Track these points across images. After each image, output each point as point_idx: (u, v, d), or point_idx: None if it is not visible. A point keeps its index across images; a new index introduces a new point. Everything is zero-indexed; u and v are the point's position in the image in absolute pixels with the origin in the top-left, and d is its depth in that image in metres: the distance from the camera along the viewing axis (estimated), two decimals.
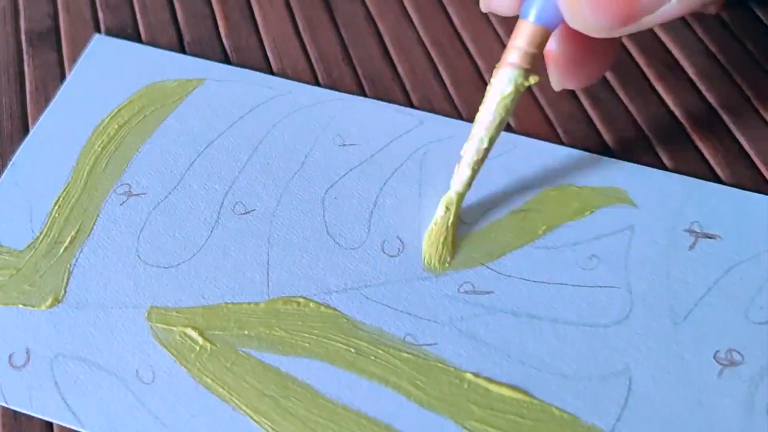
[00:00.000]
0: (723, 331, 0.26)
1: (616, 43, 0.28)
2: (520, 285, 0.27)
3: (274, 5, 0.36)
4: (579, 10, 0.23)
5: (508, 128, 0.31)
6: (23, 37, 0.35)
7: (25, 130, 0.31)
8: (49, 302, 0.26)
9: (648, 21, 0.22)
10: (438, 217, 0.28)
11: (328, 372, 0.25)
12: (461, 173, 0.27)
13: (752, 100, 0.32)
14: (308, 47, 0.34)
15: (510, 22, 0.35)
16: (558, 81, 0.28)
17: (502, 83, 0.25)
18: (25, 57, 0.34)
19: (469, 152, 0.26)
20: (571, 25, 0.24)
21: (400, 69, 0.33)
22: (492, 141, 0.26)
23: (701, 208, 0.29)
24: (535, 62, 0.25)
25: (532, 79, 0.25)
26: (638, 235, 0.28)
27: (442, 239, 0.28)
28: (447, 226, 0.28)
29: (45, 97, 0.32)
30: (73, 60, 0.33)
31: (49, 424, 0.25)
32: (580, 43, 0.26)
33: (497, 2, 0.26)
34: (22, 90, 0.33)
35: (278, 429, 0.24)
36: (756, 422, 0.25)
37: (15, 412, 0.25)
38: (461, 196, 0.27)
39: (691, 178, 0.30)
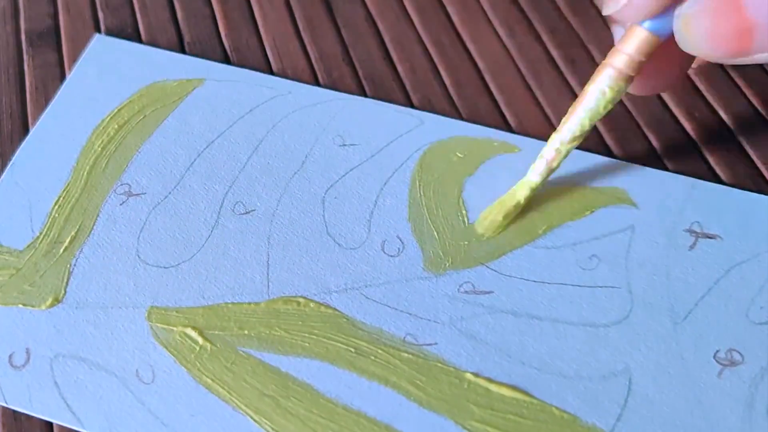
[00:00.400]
0: (723, 331, 0.26)
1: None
2: (520, 285, 0.27)
3: (274, 5, 0.36)
4: (694, 38, 0.23)
5: (509, 128, 0.31)
6: (23, 37, 0.35)
7: (25, 130, 0.31)
8: (49, 302, 0.26)
9: (760, 58, 0.23)
10: (515, 198, 0.28)
11: (328, 372, 0.25)
12: (538, 166, 0.28)
13: (752, 101, 0.32)
14: (308, 47, 0.34)
15: (513, 26, 0.35)
16: (638, 87, 0.28)
17: (604, 84, 0.26)
18: (25, 57, 0.34)
19: (551, 146, 0.27)
20: (682, 48, 0.24)
21: (400, 69, 0.33)
22: (579, 137, 0.27)
23: (701, 208, 0.29)
24: (640, 70, 0.26)
25: (625, 86, 0.26)
26: (638, 235, 0.28)
27: (506, 215, 0.28)
28: (514, 207, 0.28)
29: (45, 97, 0.32)
30: (73, 60, 0.33)
31: (49, 424, 0.25)
32: (665, 54, 0.27)
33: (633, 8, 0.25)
34: (22, 90, 0.33)
35: (278, 429, 0.24)
36: (756, 422, 0.25)
37: (15, 411, 0.25)
38: (536, 187, 0.28)
39: (691, 178, 0.30)
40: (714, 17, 0.23)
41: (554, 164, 0.27)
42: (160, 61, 0.33)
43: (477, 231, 0.28)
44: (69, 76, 0.32)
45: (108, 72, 0.32)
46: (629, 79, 0.26)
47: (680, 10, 0.24)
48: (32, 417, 0.25)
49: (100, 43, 0.33)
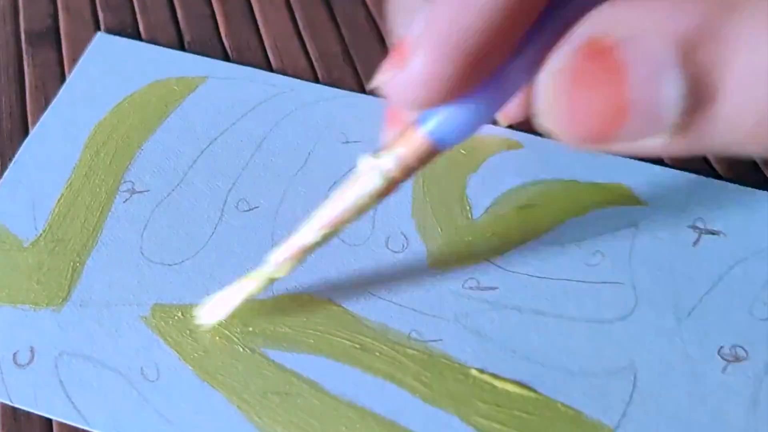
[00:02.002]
0: (727, 327, 0.26)
1: None
2: (525, 281, 0.27)
3: (274, 5, 0.36)
4: (551, 115, 0.18)
5: (511, 126, 0.31)
6: (23, 37, 0.35)
7: (25, 130, 0.31)
8: (53, 300, 0.26)
9: (620, 148, 0.17)
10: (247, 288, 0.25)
11: (333, 368, 0.25)
12: (284, 258, 0.24)
13: None
14: (308, 47, 0.34)
15: None
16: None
17: (368, 187, 0.21)
18: (25, 57, 0.34)
19: (303, 238, 0.23)
20: (541, 123, 0.18)
21: None
22: (329, 237, 0.23)
23: (705, 205, 0.29)
24: (410, 175, 0.21)
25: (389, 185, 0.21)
26: (642, 232, 0.28)
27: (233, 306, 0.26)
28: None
29: (45, 97, 0.32)
30: (73, 60, 0.33)
31: (49, 424, 0.25)
32: None
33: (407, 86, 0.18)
34: (22, 90, 0.33)
35: (283, 425, 0.24)
36: (760, 417, 0.25)
37: (15, 412, 0.25)
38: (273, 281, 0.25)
39: (695, 175, 0.30)
40: (584, 86, 0.17)
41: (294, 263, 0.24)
42: (162, 59, 0.33)
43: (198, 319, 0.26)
44: (71, 74, 0.32)
45: (110, 70, 0.32)
46: (397, 183, 0.21)
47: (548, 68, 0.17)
48: (32, 417, 0.25)
49: (102, 41, 0.33)
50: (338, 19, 0.35)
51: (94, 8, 0.35)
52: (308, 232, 0.23)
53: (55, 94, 0.32)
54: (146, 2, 0.36)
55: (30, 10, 0.35)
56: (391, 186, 0.21)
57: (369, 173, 0.21)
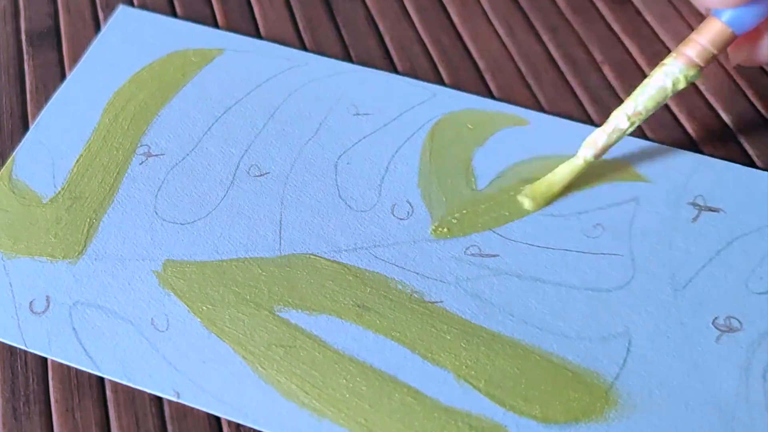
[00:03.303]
0: (723, 299, 0.27)
1: None
2: (526, 250, 0.28)
3: (274, 5, 0.36)
4: None
5: (519, 104, 0.32)
6: (23, 37, 0.35)
7: (26, 130, 0.31)
8: (69, 253, 0.27)
9: None
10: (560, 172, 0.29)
11: (336, 325, 0.26)
12: (596, 141, 0.28)
13: (752, 101, 0.33)
14: (308, 47, 0.34)
15: (513, 25, 0.35)
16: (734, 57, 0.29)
17: (672, 70, 0.27)
18: (25, 57, 0.34)
19: (610, 124, 0.28)
20: None
21: (400, 69, 0.34)
22: (635, 124, 0.28)
23: (706, 183, 0.30)
24: (710, 62, 0.27)
25: (695, 75, 0.27)
26: (643, 207, 0.29)
27: (550, 192, 0.29)
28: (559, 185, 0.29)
29: (45, 97, 0.32)
30: (74, 60, 0.34)
31: (50, 424, 0.25)
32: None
33: None
34: (23, 90, 0.33)
35: (286, 376, 0.25)
36: (752, 385, 0.25)
37: (15, 411, 0.25)
38: (588, 164, 0.29)
39: (696, 154, 0.30)
40: None
41: (611, 140, 0.28)
42: (182, 32, 0.34)
43: (524, 206, 0.29)
44: (93, 43, 0.33)
45: (130, 40, 0.33)
46: (699, 69, 0.27)
47: None
48: (32, 417, 0.25)
49: (124, 14, 0.35)
50: (338, 20, 0.35)
51: (94, 8, 0.36)
52: (619, 118, 0.28)
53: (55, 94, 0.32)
54: (146, 4, 0.36)
55: (30, 10, 0.36)
56: (691, 69, 0.26)
57: (672, 61, 0.27)
